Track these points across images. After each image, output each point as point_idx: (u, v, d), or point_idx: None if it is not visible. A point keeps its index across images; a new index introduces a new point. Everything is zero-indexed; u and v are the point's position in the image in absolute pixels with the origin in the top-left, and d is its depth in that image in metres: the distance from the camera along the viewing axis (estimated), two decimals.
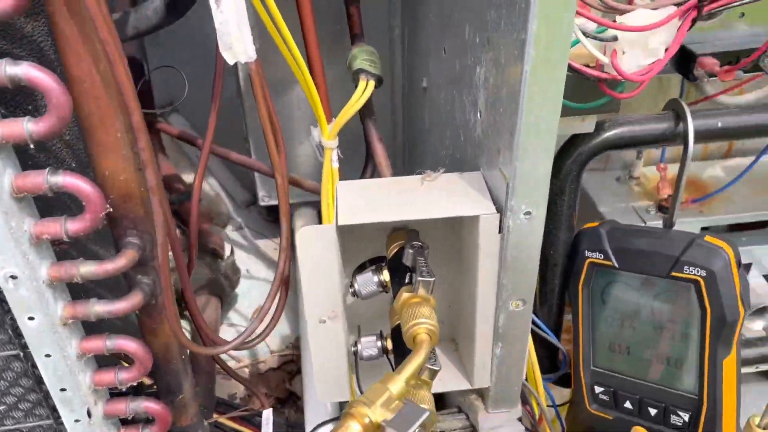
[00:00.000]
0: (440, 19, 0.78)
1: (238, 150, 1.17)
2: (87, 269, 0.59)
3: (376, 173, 0.90)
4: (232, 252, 1.16)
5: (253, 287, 1.32)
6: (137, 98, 0.52)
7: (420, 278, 0.59)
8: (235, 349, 0.67)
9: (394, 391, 0.52)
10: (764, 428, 0.90)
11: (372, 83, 0.78)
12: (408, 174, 1.16)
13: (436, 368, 0.61)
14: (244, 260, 1.34)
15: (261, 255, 1.39)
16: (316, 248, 0.62)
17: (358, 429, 0.49)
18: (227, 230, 1.43)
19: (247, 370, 1.14)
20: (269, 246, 1.40)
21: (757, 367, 0.95)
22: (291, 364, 1.13)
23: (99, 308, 0.62)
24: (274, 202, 1.32)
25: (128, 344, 0.66)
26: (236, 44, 0.53)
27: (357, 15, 0.81)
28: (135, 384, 0.70)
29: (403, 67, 1.11)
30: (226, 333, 1.21)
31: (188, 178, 1.65)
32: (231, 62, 0.55)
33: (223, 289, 1.12)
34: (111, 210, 0.58)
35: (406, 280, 0.62)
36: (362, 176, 0.95)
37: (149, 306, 0.67)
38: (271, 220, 1.44)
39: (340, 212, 0.62)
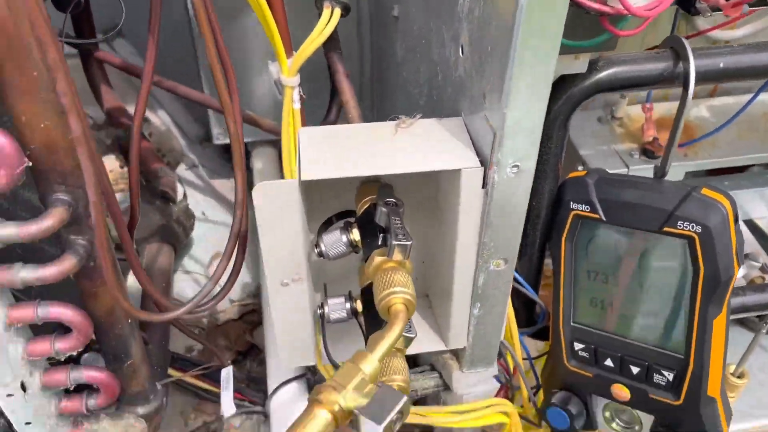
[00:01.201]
0: None
1: (191, 80, 1.06)
2: (6, 232, 0.51)
3: (342, 113, 0.82)
4: (185, 196, 1.07)
5: (210, 231, 1.23)
6: (51, 29, 0.42)
7: (395, 242, 0.52)
8: (188, 314, 0.60)
9: (368, 371, 0.46)
10: (739, 377, 0.89)
11: (338, 11, 0.68)
12: (378, 113, 1.06)
13: (412, 335, 0.56)
14: (199, 202, 1.25)
15: (217, 196, 1.29)
16: (276, 206, 0.54)
17: (326, 418, 0.43)
18: (180, 169, 1.33)
19: (205, 321, 1.07)
20: (226, 186, 1.30)
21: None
22: (252, 314, 1.06)
23: (25, 274, 0.54)
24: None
25: (63, 312, 0.58)
26: None
27: None
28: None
29: None
30: (182, 281, 1.13)
31: None
32: None
33: (177, 236, 1.04)
34: (30, 164, 0.49)
35: (379, 242, 0.55)
36: (327, 115, 0.87)
37: (88, 268, 0.59)
38: (227, 159, 1.35)
39: (303, 165, 0.54)
